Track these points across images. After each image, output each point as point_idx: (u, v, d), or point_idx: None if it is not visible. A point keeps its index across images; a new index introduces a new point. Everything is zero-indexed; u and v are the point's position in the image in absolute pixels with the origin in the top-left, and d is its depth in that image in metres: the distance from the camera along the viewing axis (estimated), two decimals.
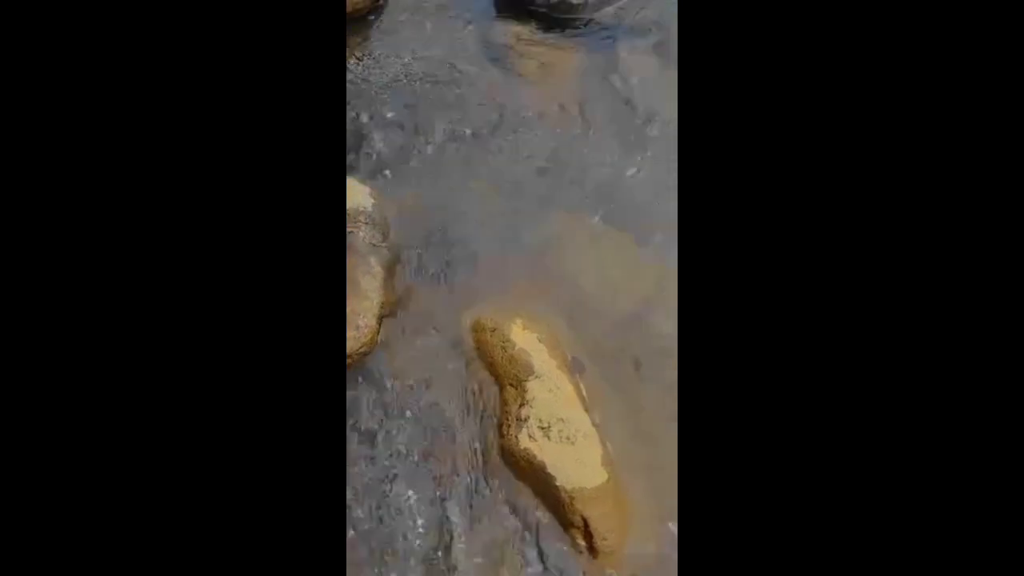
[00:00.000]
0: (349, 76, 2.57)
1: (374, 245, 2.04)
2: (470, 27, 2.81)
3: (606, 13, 2.82)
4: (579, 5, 2.77)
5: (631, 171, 2.37)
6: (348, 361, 1.85)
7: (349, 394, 1.84)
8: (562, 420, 1.78)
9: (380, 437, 1.80)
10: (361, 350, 1.88)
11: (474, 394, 1.89)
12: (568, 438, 1.76)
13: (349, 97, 2.48)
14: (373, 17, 2.83)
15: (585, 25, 2.79)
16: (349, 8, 2.64)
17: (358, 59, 2.67)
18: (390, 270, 2.05)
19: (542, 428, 1.76)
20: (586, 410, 1.83)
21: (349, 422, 1.81)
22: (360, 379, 1.88)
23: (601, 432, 1.80)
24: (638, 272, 2.12)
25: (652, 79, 2.63)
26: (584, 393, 1.87)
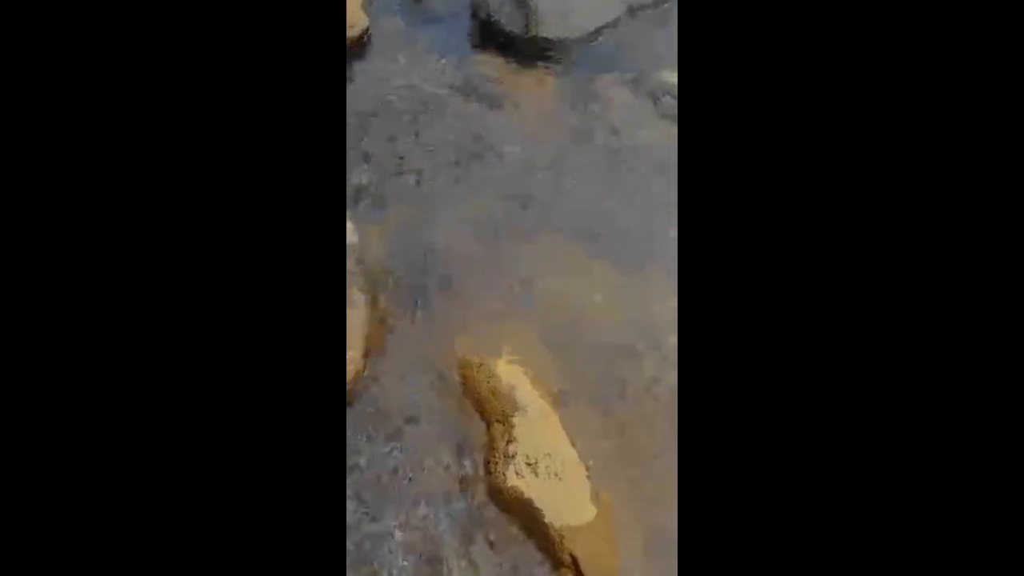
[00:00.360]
0: None
1: (356, 277, 2.03)
2: (446, 60, 2.83)
3: (581, 46, 2.86)
4: (556, 41, 2.81)
5: (613, 199, 2.40)
6: None
7: None
8: (549, 456, 1.77)
9: (365, 474, 1.78)
10: (346, 386, 1.86)
11: (460, 430, 1.87)
12: (556, 474, 1.74)
13: None
14: (351, 50, 2.84)
15: (561, 58, 2.83)
16: None
17: None
18: (373, 303, 2.04)
19: (529, 464, 1.75)
20: (573, 444, 1.82)
21: None
22: (345, 415, 1.85)
23: (589, 466, 1.79)
24: (623, 301, 2.13)
25: (630, 108, 2.67)
26: (571, 427, 1.86)
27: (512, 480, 1.74)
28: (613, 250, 2.25)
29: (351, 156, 2.44)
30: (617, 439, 1.85)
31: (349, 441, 1.81)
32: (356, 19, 2.69)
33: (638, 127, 2.61)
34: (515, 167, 2.47)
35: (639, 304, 2.11)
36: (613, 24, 2.91)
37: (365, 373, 1.92)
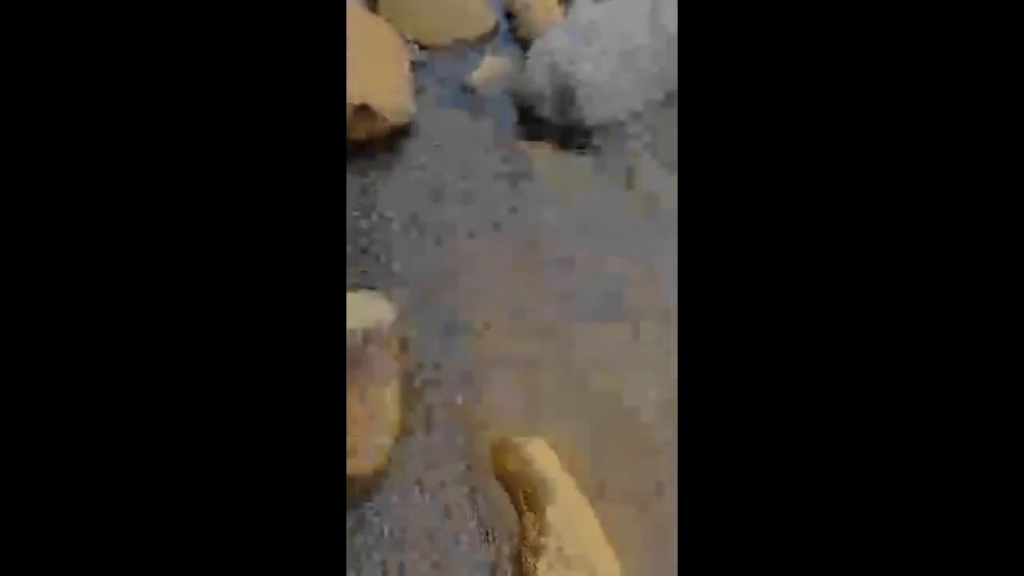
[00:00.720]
0: (360, 182, 2.60)
1: (387, 359, 2.00)
2: (484, 138, 2.86)
3: (618, 130, 2.89)
4: (593, 127, 2.86)
5: (650, 276, 2.36)
6: (359, 485, 1.78)
7: (358, 520, 1.76)
8: (582, 551, 1.69)
9: (392, 569, 1.70)
10: (374, 469, 1.81)
11: (490, 520, 1.79)
12: (589, 569, 1.65)
13: (357, 203, 2.51)
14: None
15: (597, 142, 2.85)
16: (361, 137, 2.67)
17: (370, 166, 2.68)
18: (405, 385, 2.00)
19: (562, 559, 1.66)
20: (608, 538, 1.73)
21: (354, 549, 1.71)
22: (371, 504, 1.79)
23: (624, 563, 1.70)
24: (662, 382, 2.05)
25: (665, 188, 2.65)
26: (606, 519, 1.78)
27: (543, 572, 1.64)
28: (656, 331, 2.20)
29: (381, 234, 2.44)
30: (655, 542, 1.76)
31: (375, 539, 1.75)
32: (403, 106, 2.75)
33: (675, 206, 2.59)
34: (548, 244, 2.47)
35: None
36: (651, 109, 2.95)
37: (395, 464, 1.86)
